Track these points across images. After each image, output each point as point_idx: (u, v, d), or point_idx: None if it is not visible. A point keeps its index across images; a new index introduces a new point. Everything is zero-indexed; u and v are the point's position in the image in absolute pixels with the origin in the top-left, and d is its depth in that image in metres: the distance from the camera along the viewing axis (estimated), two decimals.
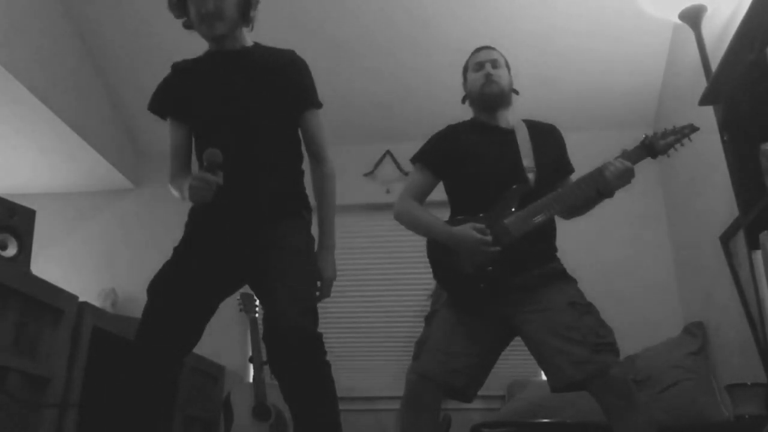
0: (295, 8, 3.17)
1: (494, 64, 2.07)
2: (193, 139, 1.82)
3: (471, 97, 2.12)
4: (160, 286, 1.65)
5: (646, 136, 1.90)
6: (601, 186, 1.86)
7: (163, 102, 1.83)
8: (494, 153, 1.99)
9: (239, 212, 1.69)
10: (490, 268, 1.87)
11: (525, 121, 2.09)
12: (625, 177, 1.84)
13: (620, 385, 1.74)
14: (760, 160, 1.75)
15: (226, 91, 1.75)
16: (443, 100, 3.48)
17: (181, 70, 1.84)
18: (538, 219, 1.87)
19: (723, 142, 1.98)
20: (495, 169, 1.97)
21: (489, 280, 1.88)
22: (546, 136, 2.07)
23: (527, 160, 1.99)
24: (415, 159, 2.11)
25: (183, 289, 1.64)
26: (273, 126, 1.76)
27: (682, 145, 1.90)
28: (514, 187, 1.91)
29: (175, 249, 1.72)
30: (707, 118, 2.33)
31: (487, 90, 2.04)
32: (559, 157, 2.07)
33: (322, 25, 3.25)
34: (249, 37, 1.86)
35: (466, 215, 1.94)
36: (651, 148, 1.89)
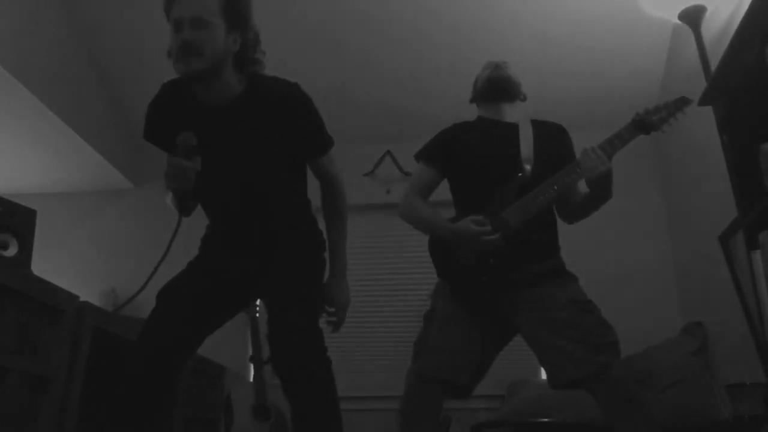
0: (295, 8, 3.17)
1: (503, 64, 2.11)
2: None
3: (477, 87, 2.13)
4: (169, 294, 1.65)
5: (637, 113, 1.89)
6: (584, 174, 1.84)
7: (158, 135, 1.71)
8: (494, 145, 2.01)
9: (253, 262, 1.68)
10: (492, 260, 1.87)
11: (533, 120, 2.08)
12: (597, 164, 1.80)
13: (620, 387, 1.74)
14: (759, 160, 1.75)
15: (224, 147, 1.61)
16: (443, 100, 3.50)
17: (170, 101, 1.68)
18: (534, 207, 1.87)
19: (723, 142, 1.98)
20: (493, 161, 1.98)
21: (491, 272, 1.88)
22: (552, 135, 2.06)
23: (526, 152, 1.98)
24: (419, 156, 2.13)
25: (190, 304, 1.64)
26: (279, 179, 1.69)
27: (676, 119, 1.89)
28: (510, 183, 1.92)
29: (190, 263, 1.74)
30: (707, 118, 2.33)
31: (494, 75, 2.06)
32: (562, 156, 2.01)
33: (322, 25, 3.25)
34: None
35: (468, 214, 1.93)
36: (642, 123, 1.87)
